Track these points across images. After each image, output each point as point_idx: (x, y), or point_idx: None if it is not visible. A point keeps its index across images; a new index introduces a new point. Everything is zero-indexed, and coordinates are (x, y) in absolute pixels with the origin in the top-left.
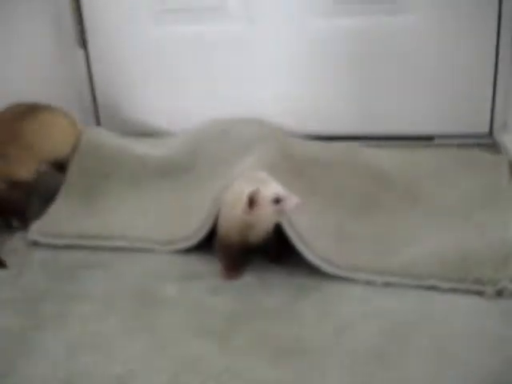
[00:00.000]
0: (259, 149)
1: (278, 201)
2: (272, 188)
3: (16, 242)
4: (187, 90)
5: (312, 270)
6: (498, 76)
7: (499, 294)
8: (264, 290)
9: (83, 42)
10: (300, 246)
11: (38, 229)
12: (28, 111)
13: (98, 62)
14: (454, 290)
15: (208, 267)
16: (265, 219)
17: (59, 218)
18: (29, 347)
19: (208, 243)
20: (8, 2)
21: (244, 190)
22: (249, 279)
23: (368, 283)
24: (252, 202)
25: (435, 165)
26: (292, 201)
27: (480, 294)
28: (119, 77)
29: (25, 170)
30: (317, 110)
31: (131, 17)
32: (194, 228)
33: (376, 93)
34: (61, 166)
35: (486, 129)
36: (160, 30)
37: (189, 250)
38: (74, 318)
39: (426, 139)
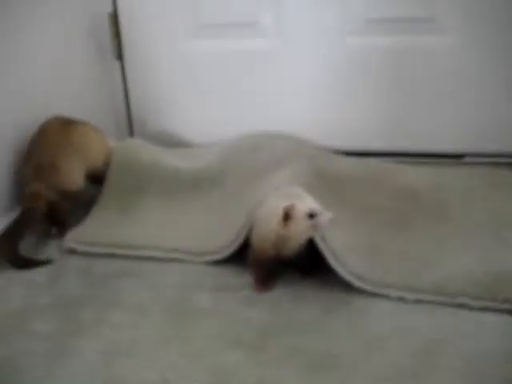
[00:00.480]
0: (292, 164)
1: (312, 216)
2: (307, 203)
3: (51, 249)
4: (220, 103)
5: (343, 285)
6: None
7: None
8: (296, 303)
9: (120, 55)
10: (332, 262)
11: (73, 237)
12: (69, 123)
13: (133, 74)
14: (484, 309)
15: (239, 279)
16: (299, 233)
17: (94, 228)
18: (66, 352)
19: (238, 255)
20: (46, 14)
21: (279, 204)
22: (280, 292)
23: (399, 299)
24: (287, 216)
25: (465, 183)
26: (326, 216)
27: (511, 312)
28: (153, 89)
29: (74, 181)
30: (347, 126)
31: (167, 31)
32: (227, 240)
33: (408, 110)
34: (93, 179)
35: None
36: (194, 44)
37: (220, 262)
38: (109, 324)
39: (456, 157)
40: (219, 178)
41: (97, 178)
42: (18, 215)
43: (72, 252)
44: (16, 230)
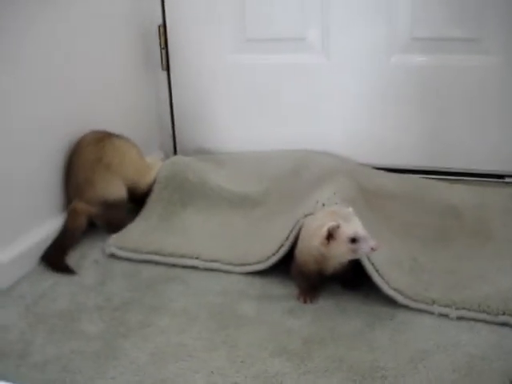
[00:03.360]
0: (333, 180)
1: (354, 240)
2: (352, 227)
3: (97, 253)
4: (262, 116)
5: (386, 299)
6: None
7: None
8: (339, 315)
9: (167, 66)
10: (375, 278)
11: (114, 243)
12: (103, 137)
13: (178, 85)
14: None
15: (283, 290)
16: (338, 255)
17: (135, 234)
18: (115, 353)
19: (283, 267)
20: (97, 23)
21: (326, 222)
22: (324, 304)
23: (441, 315)
24: (330, 235)
25: (505, 203)
26: (369, 244)
27: None
28: (197, 99)
29: (113, 191)
30: (388, 144)
31: (214, 44)
32: (270, 251)
33: (448, 129)
34: (133, 196)
35: None
36: (238, 58)
37: (264, 273)
38: (156, 328)
39: (495, 177)
40: (262, 199)
41: (137, 195)
42: (60, 232)
43: (114, 256)
44: (60, 245)
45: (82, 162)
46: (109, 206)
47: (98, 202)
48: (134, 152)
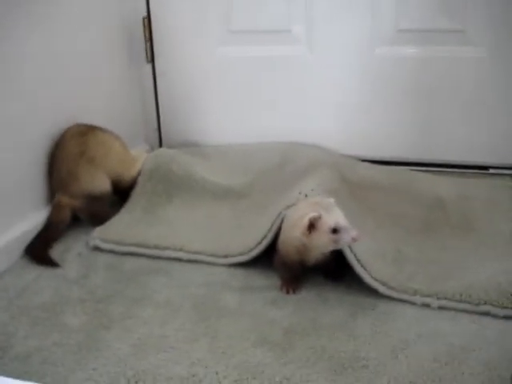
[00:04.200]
0: (317, 172)
1: (336, 231)
2: (334, 217)
3: (81, 247)
4: (247, 108)
5: (368, 289)
6: None
7: None
8: (321, 305)
9: (151, 58)
10: (358, 269)
11: (98, 235)
12: (86, 131)
13: (163, 77)
14: (508, 317)
15: (266, 281)
16: (320, 245)
17: (120, 226)
18: (97, 345)
19: (266, 258)
20: (80, 15)
21: (308, 212)
22: (307, 294)
23: (423, 305)
24: (311, 226)
25: (489, 194)
26: (350, 234)
27: None
28: (182, 92)
29: (97, 184)
30: (374, 135)
31: (199, 36)
32: (253, 242)
33: (435, 121)
34: (117, 188)
35: None
36: (223, 50)
37: (247, 264)
38: (138, 320)
39: (480, 168)
40: (247, 191)
41: (121, 188)
42: (44, 225)
43: (98, 249)
44: (44, 238)
45: (65, 155)
46: (93, 199)
47: (82, 196)
48: (118, 144)
